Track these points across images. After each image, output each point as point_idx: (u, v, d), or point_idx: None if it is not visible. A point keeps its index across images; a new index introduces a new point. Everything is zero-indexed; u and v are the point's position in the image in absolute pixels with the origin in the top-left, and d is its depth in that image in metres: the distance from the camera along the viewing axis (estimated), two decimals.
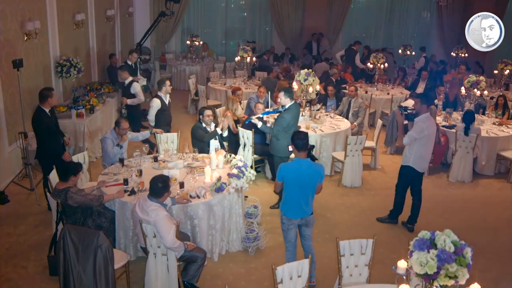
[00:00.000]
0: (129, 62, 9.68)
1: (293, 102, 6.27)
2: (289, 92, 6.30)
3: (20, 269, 5.08)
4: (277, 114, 6.45)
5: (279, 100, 6.43)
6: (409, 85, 12.12)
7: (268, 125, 6.82)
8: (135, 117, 9.30)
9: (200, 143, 6.68)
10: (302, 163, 4.53)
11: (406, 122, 6.06)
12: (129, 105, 8.55)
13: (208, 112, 6.85)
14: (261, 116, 6.62)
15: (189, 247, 4.52)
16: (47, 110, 6.05)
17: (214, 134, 6.75)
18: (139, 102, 8.59)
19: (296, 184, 4.51)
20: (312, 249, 4.84)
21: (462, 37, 13.94)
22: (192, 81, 11.52)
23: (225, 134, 6.97)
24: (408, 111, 5.89)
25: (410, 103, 9.02)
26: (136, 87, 8.46)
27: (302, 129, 7.41)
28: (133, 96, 8.44)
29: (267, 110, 7.44)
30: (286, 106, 6.24)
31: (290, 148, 4.64)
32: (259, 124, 6.42)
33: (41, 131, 6.03)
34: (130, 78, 8.56)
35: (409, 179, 6.04)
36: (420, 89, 11.33)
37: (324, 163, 7.82)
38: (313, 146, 4.72)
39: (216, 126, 6.97)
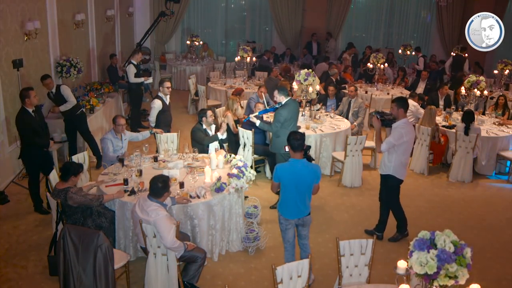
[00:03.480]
0: (134, 62, 9.68)
1: (288, 98, 6.37)
2: (282, 89, 6.40)
3: (20, 269, 5.07)
4: (274, 112, 6.52)
5: (275, 98, 6.52)
6: (409, 85, 12.13)
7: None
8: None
9: (199, 145, 6.68)
10: (298, 163, 4.51)
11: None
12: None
13: (210, 113, 6.85)
14: (258, 114, 6.68)
15: (189, 247, 4.52)
16: (30, 110, 6.04)
17: (214, 139, 6.73)
18: (71, 105, 7.44)
19: (292, 185, 4.50)
20: (309, 248, 4.84)
21: (462, 37, 14.04)
22: (192, 81, 11.52)
23: (224, 136, 6.97)
24: (386, 116, 5.55)
25: (411, 102, 9.01)
26: (65, 90, 7.42)
27: (302, 129, 7.43)
28: (65, 101, 7.38)
29: (264, 108, 7.44)
30: (282, 103, 6.32)
31: (287, 149, 4.63)
32: (257, 122, 6.49)
33: (24, 131, 6.03)
34: (55, 85, 7.47)
35: (395, 188, 5.76)
36: (420, 89, 11.34)
37: (324, 163, 7.84)
38: (309, 147, 4.70)
39: (216, 128, 6.97)
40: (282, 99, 6.32)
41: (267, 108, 7.11)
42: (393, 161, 5.53)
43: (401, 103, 5.50)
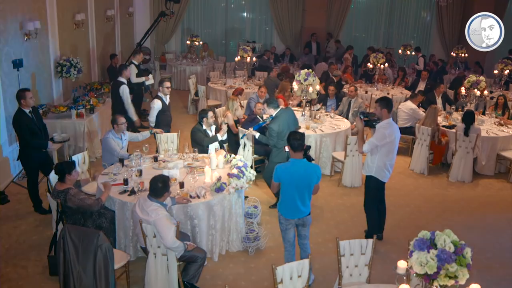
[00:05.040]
0: (136, 62, 9.67)
1: (278, 109, 6.34)
2: (271, 102, 6.41)
3: (20, 269, 5.07)
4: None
5: (265, 111, 6.54)
6: (409, 85, 12.13)
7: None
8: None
9: (199, 146, 6.68)
10: (298, 163, 4.51)
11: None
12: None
13: (211, 113, 6.83)
14: (253, 129, 6.72)
15: (189, 247, 4.52)
16: (27, 111, 6.02)
17: (213, 140, 6.72)
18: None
19: (293, 185, 4.50)
20: (309, 248, 4.84)
21: (462, 37, 14.05)
22: (192, 81, 11.52)
23: (225, 137, 6.96)
24: (369, 117, 5.45)
25: (408, 105, 9.00)
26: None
27: (302, 129, 7.42)
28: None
29: (258, 123, 7.40)
30: (273, 115, 6.33)
31: (287, 149, 4.63)
32: (257, 135, 6.62)
33: (22, 131, 6.00)
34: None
35: (375, 190, 5.67)
36: (420, 89, 11.32)
37: (324, 163, 7.84)
38: (309, 147, 4.70)
39: (217, 129, 6.96)
40: (272, 112, 6.34)
41: (260, 122, 7.10)
42: (376, 162, 5.45)
43: (385, 103, 5.41)
